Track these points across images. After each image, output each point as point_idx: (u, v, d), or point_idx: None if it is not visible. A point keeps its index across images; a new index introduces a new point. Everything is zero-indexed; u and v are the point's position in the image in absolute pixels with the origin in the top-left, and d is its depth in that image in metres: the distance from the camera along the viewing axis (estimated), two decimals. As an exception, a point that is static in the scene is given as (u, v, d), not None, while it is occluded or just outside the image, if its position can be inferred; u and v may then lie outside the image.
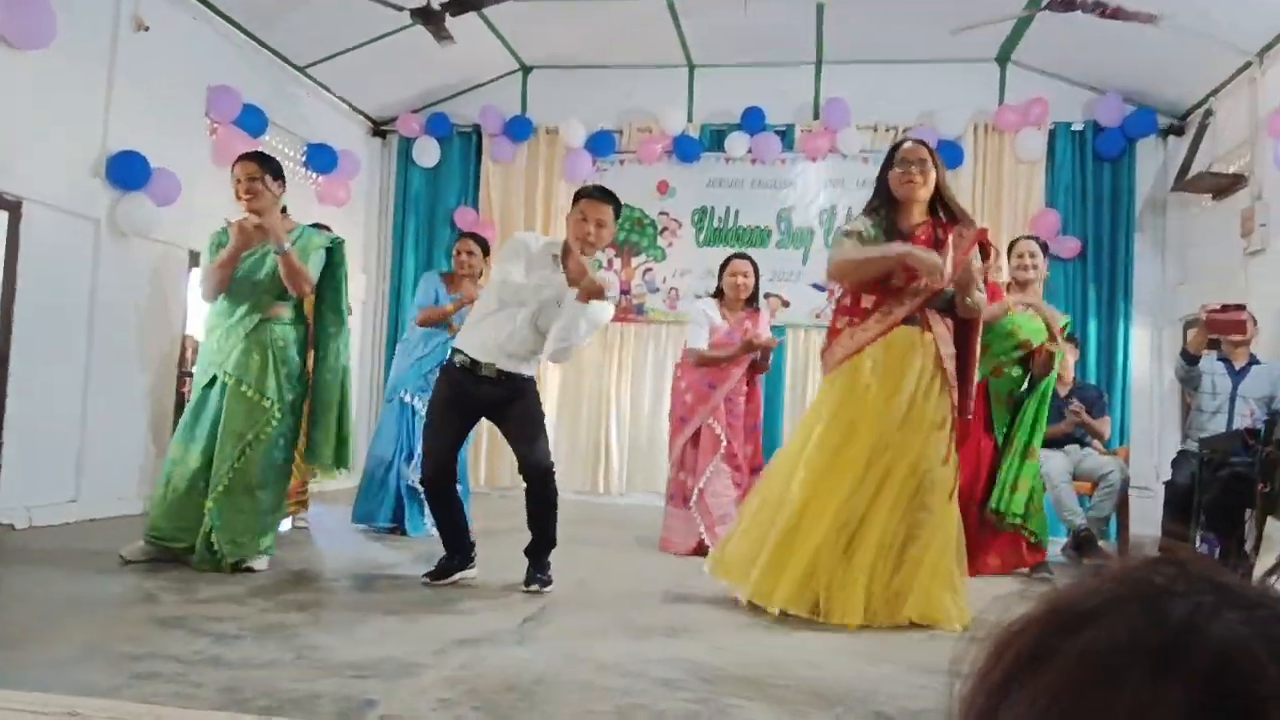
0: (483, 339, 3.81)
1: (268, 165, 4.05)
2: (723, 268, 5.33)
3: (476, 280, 5.37)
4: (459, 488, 4.03)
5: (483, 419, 4.02)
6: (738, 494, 5.09)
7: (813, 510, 3.47)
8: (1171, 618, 0.39)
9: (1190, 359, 5.12)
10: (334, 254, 4.16)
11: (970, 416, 3.73)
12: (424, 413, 5.05)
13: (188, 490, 3.90)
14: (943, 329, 3.57)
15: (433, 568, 3.92)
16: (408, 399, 5.29)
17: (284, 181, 4.10)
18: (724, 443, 5.09)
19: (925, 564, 3.42)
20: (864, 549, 3.40)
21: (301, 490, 5.32)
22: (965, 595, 3.47)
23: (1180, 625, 0.39)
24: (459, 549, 3.94)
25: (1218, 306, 5.01)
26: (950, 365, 3.54)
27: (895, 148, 3.67)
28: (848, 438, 3.49)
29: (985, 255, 3.67)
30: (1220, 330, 4.96)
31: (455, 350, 3.89)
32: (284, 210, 4.11)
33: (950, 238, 3.52)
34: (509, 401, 3.85)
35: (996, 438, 4.77)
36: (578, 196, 3.88)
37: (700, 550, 4.98)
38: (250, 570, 3.86)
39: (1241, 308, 5.04)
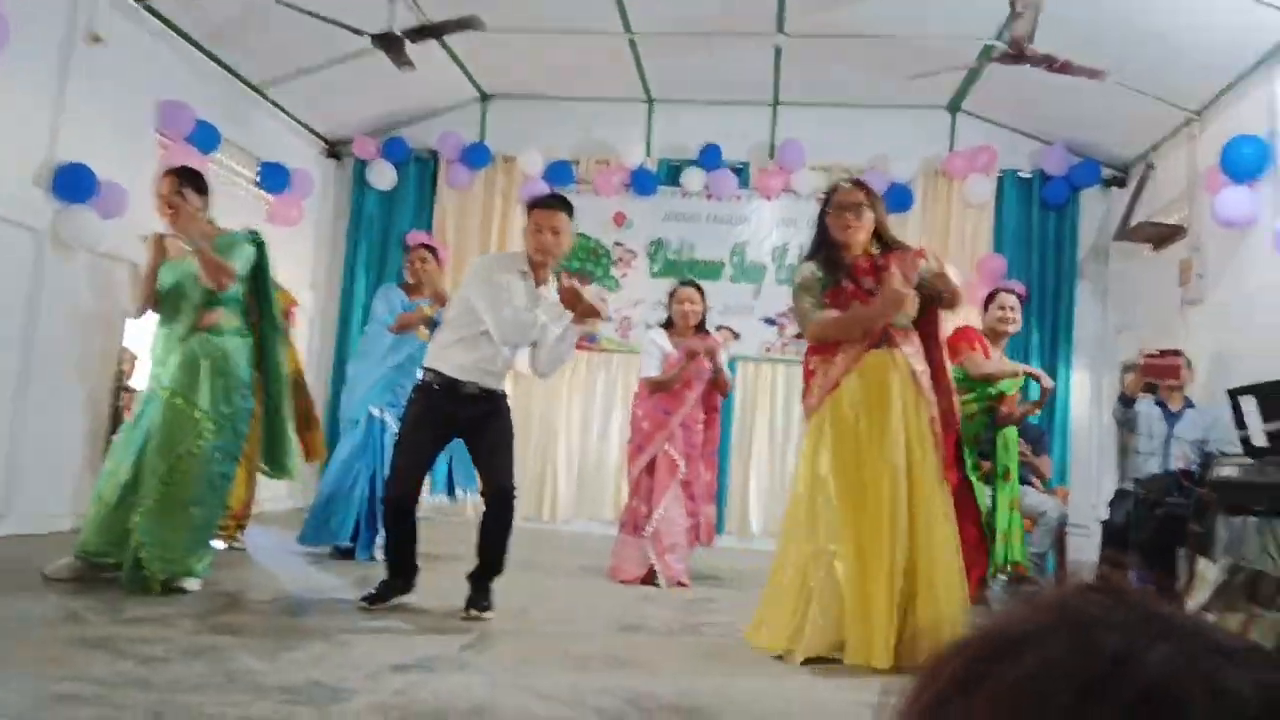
0: (461, 361, 3.79)
1: (188, 179, 3.98)
2: (671, 295, 5.37)
3: (437, 285, 5.31)
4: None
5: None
6: (689, 523, 5.10)
7: (866, 551, 3.33)
8: (1103, 647, 0.39)
9: (1127, 401, 5.25)
10: (260, 252, 4.07)
11: (958, 428, 3.71)
12: (393, 424, 5.01)
13: (118, 504, 3.79)
14: (910, 345, 3.57)
15: (372, 591, 3.84)
16: (377, 413, 5.19)
17: (207, 195, 4.03)
18: (681, 469, 5.09)
19: (942, 594, 3.34)
20: (909, 582, 3.33)
21: (244, 513, 5.21)
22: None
23: (1112, 655, 0.39)
24: (403, 574, 3.87)
25: (1155, 352, 5.16)
26: (925, 380, 3.55)
27: (832, 191, 3.73)
28: (859, 469, 3.41)
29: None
30: (1156, 375, 5.10)
31: (430, 370, 3.84)
32: (211, 223, 4.07)
33: (891, 262, 3.54)
34: (487, 418, 3.82)
35: (969, 475, 4.75)
36: (530, 207, 3.89)
37: (649, 579, 4.96)
38: (181, 591, 3.75)
39: (1178, 354, 5.19)
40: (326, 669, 2.76)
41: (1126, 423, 5.34)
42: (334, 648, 3.09)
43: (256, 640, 3.16)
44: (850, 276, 3.57)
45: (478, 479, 4.75)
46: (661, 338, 5.28)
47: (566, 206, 3.85)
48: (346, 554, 5.12)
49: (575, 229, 4.00)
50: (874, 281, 3.54)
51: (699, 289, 5.34)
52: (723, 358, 5.30)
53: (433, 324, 5.04)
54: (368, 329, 5.52)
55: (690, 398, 5.14)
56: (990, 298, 5.09)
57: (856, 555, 3.32)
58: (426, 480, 4.06)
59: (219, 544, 4.82)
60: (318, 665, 2.82)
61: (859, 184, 3.72)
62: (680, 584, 5.00)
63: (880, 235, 3.65)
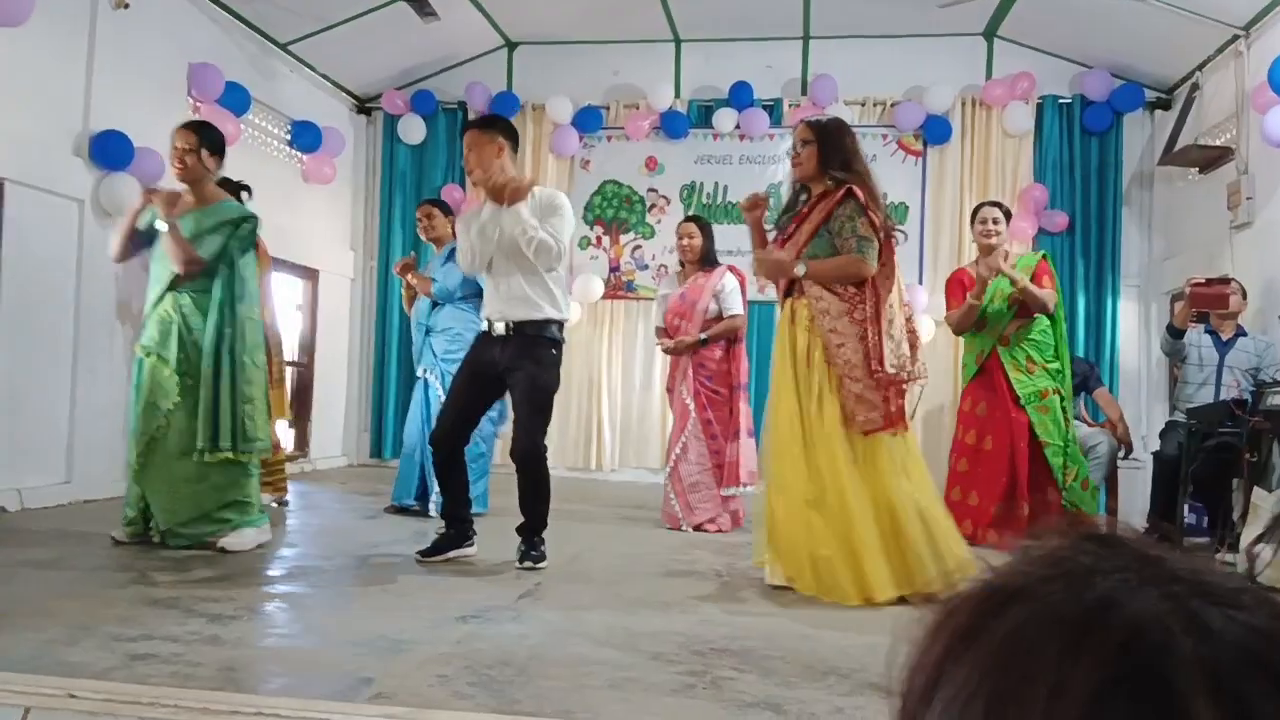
0: (486, 300, 3.90)
1: (206, 137, 3.99)
2: (676, 232, 5.40)
3: (445, 242, 5.30)
4: (479, 463, 4.04)
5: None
6: (713, 463, 5.07)
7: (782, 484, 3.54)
8: (1092, 590, 0.40)
9: (1175, 333, 5.16)
10: (239, 229, 3.98)
11: (897, 378, 3.54)
12: (437, 385, 5.09)
13: (139, 470, 3.91)
14: (822, 295, 3.54)
15: (428, 545, 3.90)
16: (421, 374, 5.27)
17: (221, 157, 4.06)
18: (691, 410, 5.08)
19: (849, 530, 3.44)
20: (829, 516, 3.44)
21: (276, 470, 5.26)
22: None
23: (1097, 600, 0.39)
24: (456, 523, 3.91)
25: (1202, 280, 5.04)
26: (836, 330, 3.50)
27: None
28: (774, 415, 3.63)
29: (865, 208, 3.56)
30: (1204, 304, 5.00)
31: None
32: (224, 184, 4.15)
33: (817, 205, 3.62)
34: (519, 364, 3.76)
35: (1028, 410, 4.73)
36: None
37: (677, 523, 5.00)
38: (223, 550, 3.84)
39: (1226, 281, 5.08)
40: (388, 621, 2.84)
41: (1175, 353, 5.25)
42: (394, 600, 3.17)
43: (318, 596, 3.25)
44: (794, 216, 3.75)
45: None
46: (668, 284, 5.39)
47: (483, 124, 3.83)
48: (413, 511, 5.16)
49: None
50: (798, 227, 3.66)
51: (699, 222, 5.32)
52: (729, 294, 5.18)
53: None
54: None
55: (690, 329, 5.11)
56: (974, 214, 5.06)
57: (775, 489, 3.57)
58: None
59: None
60: (380, 618, 2.89)
61: (810, 121, 3.76)
62: (701, 528, 4.95)
63: (831, 163, 3.61)
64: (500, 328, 3.80)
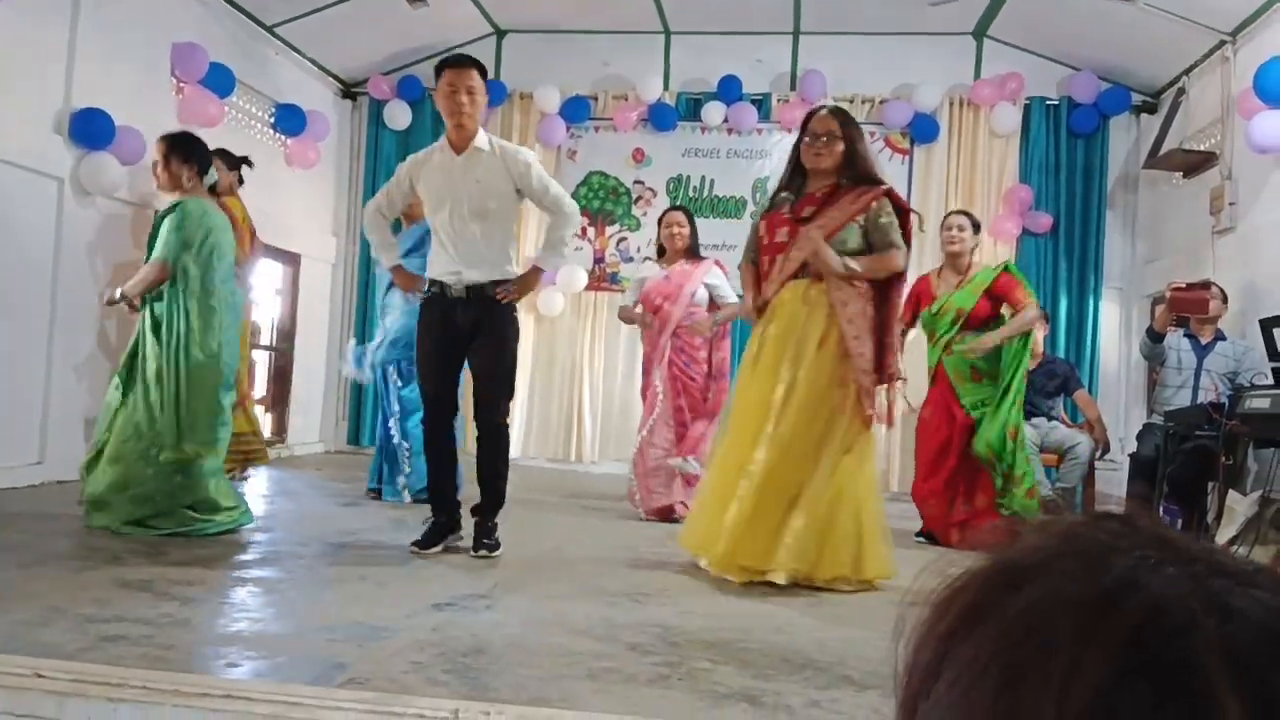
0: (437, 259, 3.73)
1: (176, 149, 3.99)
2: (660, 222, 5.38)
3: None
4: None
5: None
6: (677, 450, 5.08)
7: (734, 468, 3.55)
8: (1109, 572, 0.39)
9: (1155, 337, 5.19)
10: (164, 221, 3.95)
11: (894, 374, 3.65)
12: (391, 377, 5.06)
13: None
14: (844, 291, 3.55)
15: (419, 536, 3.79)
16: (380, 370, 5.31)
17: (192, 162, 4.00)
18: (660, 396, 5.11)
19: (853, 517, 3.46)
20: (783, 503, 3.45)
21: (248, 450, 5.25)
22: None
23: (1117, 579, 0.39)
24: (446, 507, 3.82)
25: (1182, 285, 5.07)
26: (848, 317, 3.52)
27: (809, 116, 3.71)
28: (747, 395, 3.62)
29: (903, 215, 3.64)
30: (1184, 309, 5.03)
31: (429, 280, 3.77)
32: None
33: (845, 197, 3.59)
34: (480, 329, 3.67)
35: (970, 412, 4.73)
36: (439, 69, 3.70)
37: (669, 515, 4.99)
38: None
39: (1206, 286, 5.11)
40: (365, 608, 2.82)
41: (1154, 357, 5.29)
42: (371, 588, 3.15)
43: (293, 581, 3.22)
44: (793, 203, 3.66)
45: (399, 485, 5.07)
46: (650, 267, 5.36)
47: (478, 65, 3.71)
48: (375, 495, 5.22)
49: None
50: (816, 211, 3.60)
51: (687, 213, 5.33)
52: (724, 285, 5.25)
53: None
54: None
55: (673, 311, 5.10)
56: (942, 222, 5.04)
57: (723, 465, 3.60)
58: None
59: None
60: (356, 604, 2.87)
61: (837, 112, 3.71)
62: (651, 515, 4.98)
63: (852, 163, 3.63)
64: (459, 290, 3.67)
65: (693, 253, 5.25)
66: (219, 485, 3.95)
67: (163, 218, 3.96)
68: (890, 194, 3.62)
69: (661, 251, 5.34)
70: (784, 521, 3.43)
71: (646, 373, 5.26)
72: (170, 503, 3.83)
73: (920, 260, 7.07)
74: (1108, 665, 0.36)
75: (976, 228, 4.95)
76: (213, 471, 3.92)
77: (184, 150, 4.00)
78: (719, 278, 5.25)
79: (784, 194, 3.75)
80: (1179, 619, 0.37)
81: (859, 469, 3.54)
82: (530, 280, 3.81)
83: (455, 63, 3.67)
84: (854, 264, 3.55)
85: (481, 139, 3.73)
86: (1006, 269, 4.84)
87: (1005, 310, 4.74)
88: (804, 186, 3.69)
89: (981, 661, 0.39)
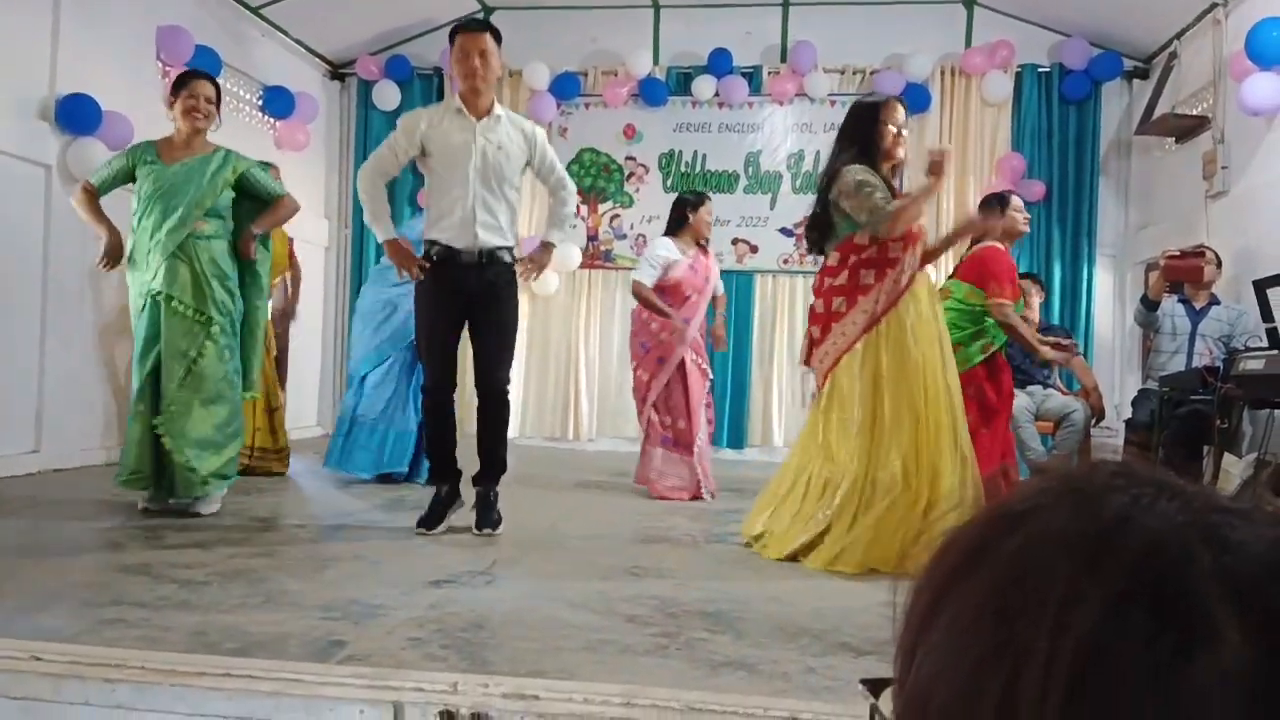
0: (443, 224, 3.65)
1: (217, 91, 4.15)
2: (693, 205, 5.17)
3: None
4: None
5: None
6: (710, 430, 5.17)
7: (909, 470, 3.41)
8: (1106, 509, 0.39)
9: (1150, 305, 5.19)
10: (249, 175, 4.09)
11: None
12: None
13: (149, 419, 3.84)
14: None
15: (423, 514, 3.75)
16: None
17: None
18: (711, 375, 5.15)
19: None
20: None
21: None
22: None
23: (1114, 516, 0.39)
24: (449, 477, 3.79)
25: (1176, 253, 5.07)
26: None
27: (882, 104, 3.66)
28: (911, 389, 3.43)
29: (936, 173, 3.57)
30: (1177, 276, 5.03)
31: (429, 241, 3.69)
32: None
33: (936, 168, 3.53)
34: (492, 294, 3.65)
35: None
36: (451, 36, 3.70)
37: (698, 495, 4.97)
38: (197, 514, 3.83)
39: (1200, 253, 5.11)
40: (362, 587, 2.82)
41: (1149, 325, 5.30)
42: (368, 567, 3.16)
43: (292, 562, 3.23)
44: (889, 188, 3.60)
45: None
46: (670, 248, 5.12)
47: (492, 28, 3.72)
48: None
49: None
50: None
51: None
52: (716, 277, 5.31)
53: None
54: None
55: (702, 305, 5.12)
56: (1004, 201, 4.79)
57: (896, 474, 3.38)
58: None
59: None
60: (353, 583, 2.88)
61: (900, 101, 3.76)
62: (697, 496, 5.00)
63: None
64: (471, 255, 3.63)
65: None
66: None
67: (222, 164, 3.97)
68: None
69: (672, 232, 5.18)
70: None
71: (662, 360, 5.05)
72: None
73: (935, 228, 7.05)
74: (1103, 597, 0.36)
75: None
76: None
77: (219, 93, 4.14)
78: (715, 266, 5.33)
79: (867, 168, 3.60)
80: (1176, 551, 0.37)
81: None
82: (545, 256, 3.84)
83: (467, 27, 3.70)
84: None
85: (498, 106, 3.75)
86: (1033, 277, 4.95)
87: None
88: (878, 167, 3.60)
89: (978, 600, 0.39)
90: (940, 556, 0.43)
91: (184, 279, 3.84)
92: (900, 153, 3.60)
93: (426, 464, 4.90)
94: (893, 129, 3.57)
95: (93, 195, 4.00)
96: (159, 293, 3.83)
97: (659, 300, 5.03)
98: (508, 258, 3.71)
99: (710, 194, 5.56)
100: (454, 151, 3.64)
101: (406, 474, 5.05)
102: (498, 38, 3.71)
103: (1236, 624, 0.35)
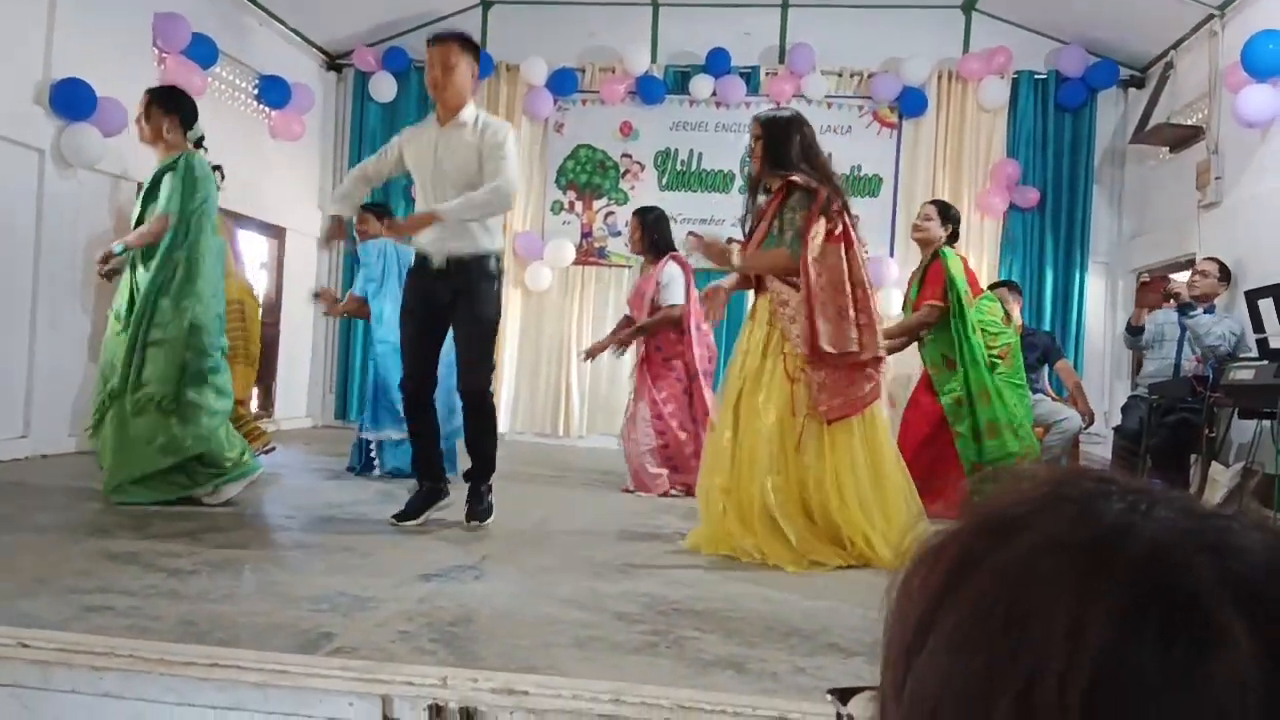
0: (422, 236, 3.73)
1: (157, 100, 4.01)
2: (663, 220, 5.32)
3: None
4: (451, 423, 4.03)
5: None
6: (658, 441, 5.13)
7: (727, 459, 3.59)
8: (1104, 516, 0.39)
9: (1134, 330, 5.28)
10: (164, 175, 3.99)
11: (839, 352, 3.55)
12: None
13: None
14: (781, 286, 3.60)
15: (401, 507, 3.80)
16: None
17: (175, 117, 4.01)
18: (645, 390, 5.18)
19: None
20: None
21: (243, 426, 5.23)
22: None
23: (1113, 523, 0.39)
24: (432, 474, 3.83)
25: (1148, 279, 5.18)
26: (792, 315, 3.55)
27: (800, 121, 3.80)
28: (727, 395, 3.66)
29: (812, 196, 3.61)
30: (1144, 301, 5.16)
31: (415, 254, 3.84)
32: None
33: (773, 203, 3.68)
34: (459, 296, 3.68)
35: (943, 399, 4.66)
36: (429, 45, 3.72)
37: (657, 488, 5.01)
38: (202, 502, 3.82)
39: (1165, 279, 5.25)
40: (351, 579, 2.82)
41: (1135, 348, 5.40)
42: (358, 559, 3.15)
43: (281, 553, 3.22)
44: (757, 214, 3.78)
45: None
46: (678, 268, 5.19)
47: (460, 38, 3.69)
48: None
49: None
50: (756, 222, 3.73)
51: (641, 215, 5.34)
52: (666, 286, 5.21)
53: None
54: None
55: (639, 319, 5.21)
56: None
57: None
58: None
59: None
60: (342, 576, 2.87)
61: (758, 119, 3.77)
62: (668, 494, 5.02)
63: (775, 161, 3.68)
64: (438, 260, 3.70)
65: (655, 250, 5.23)
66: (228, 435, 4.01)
67: (162, 172, 3.94)
68: (791, 184, 3.60)
69: (664, 247, 5.29)
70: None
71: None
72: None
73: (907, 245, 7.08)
74: (1114, 608, 0.36)
75: (946, 218, 4.79)
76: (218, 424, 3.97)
77: (165, 102, 4.00)
78: (670, 274, 5.16)
79: (747, 215, 3.85)
80: (1180, 557, 0.37)
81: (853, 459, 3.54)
82: (420, 219, 3.66)
83: (435, 39, 3.69)
84: (736, 257, 3.67)
85: (468, 112, 3.72)
86: (938, 255, 4.66)
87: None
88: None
89: (983, 606, 0.39)
90: (930, 564, 0.43)
91: (124, 294, 3.90)
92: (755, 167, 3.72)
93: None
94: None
95: None
96: (114, 308, 3.91)
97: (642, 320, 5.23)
98: (483, 263, 3.72)
99: (638, 209, 5.50)
100: (419, 160, 3.74)
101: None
102: (472, 48, 3.72)
103: (1245, 628, 0.35)
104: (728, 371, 3.75)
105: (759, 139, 3.65)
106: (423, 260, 3.75)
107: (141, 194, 4.04)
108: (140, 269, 3.91)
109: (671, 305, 5.09)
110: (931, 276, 4.63)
